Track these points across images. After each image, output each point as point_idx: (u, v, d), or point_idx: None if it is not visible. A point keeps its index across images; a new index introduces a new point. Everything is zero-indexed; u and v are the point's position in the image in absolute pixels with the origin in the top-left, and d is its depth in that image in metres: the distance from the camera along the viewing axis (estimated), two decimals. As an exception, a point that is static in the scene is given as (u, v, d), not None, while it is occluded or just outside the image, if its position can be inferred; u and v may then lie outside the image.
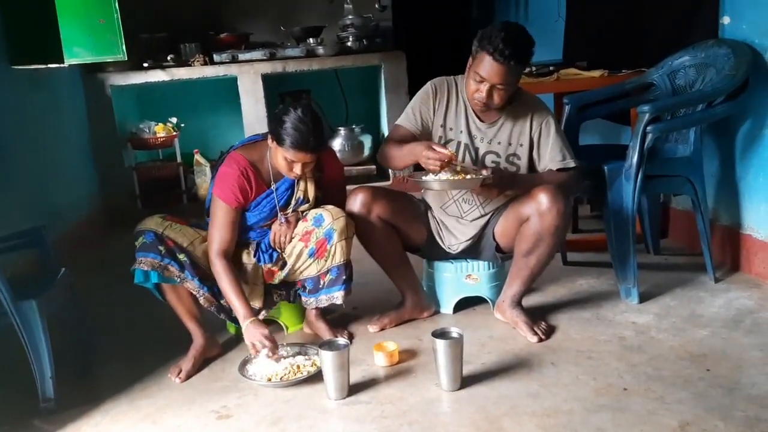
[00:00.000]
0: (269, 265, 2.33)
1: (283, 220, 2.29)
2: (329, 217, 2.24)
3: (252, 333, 2.11)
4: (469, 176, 2.19)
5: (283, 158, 2.15)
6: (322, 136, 2.14)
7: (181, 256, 2.20)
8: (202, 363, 2.28)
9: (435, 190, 2.37)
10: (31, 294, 2.01)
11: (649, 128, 2.44)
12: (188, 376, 2.21)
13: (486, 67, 2.18)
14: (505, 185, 2.26)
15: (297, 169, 2.16)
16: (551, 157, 2.33)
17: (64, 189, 3.65)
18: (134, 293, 3.05)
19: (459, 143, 2.38)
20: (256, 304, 2.32)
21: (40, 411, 2.01)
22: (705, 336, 2.25)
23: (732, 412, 1.80)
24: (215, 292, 2.25)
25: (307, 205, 2.32)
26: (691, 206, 2.71)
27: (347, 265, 2.29)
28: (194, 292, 2.22)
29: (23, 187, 3.10)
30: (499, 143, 2.36)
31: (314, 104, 4.74)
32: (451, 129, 2.39)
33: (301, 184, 2.30)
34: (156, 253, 2.16)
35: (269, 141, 2.19)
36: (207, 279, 2.23)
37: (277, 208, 2.28)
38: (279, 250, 2.32)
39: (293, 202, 2.31)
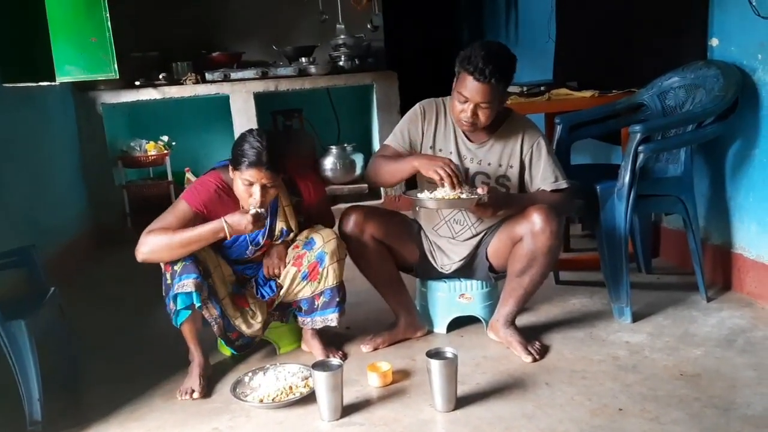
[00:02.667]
0: (272, 296, 2.33)
1: (250, 254, 2.27)
2: (320, 240, 2.23)
3: (239, 218, 2.06)
4: (464, 195, 2.19)
5: (241, 183, 2.10)
6: (277, 154, 2.09)
7: (210, 280, 2.18)
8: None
9: (430, 208, 2.36)
10: (20, 314, 1.98)
11: (640, 148, 2.46)
12: (205, 393, 2.18)
13: (468, 86, 2.20)
14: (500, 205, 2.26)
15: (256, 191, 2.08)
16: (543, 178, 2.34)
17: (54, 207, 3.61)
18: (123, 313, 3.03)
19: None
20: (256, 325, 2.29)
21: (28, 434, 1.98)
22: (699, 355, 2.25)
23: (728, 433, 1.80)
24: (227, 323, 2.23)
25: (292, 235, 2.31)
26: (683, 225, 2.72)
27: (340, 287, 2.29)
28: (211, 320, 2.18)
29: (12, 206, 3.07)
30: (489, 164, 2.37)
31: (306, 123, 4.75)
32: (440, 150, 2.39)
33: (280, 215, 2.28)
34: (197, 273, 2.12)
35: (231, 173, 2.15)
36: (222, 308, 2.22)
37: (248, 241, 2.26)
38: (275, 278, 2.30)
39: (277, 234, 2.30)
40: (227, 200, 2.20)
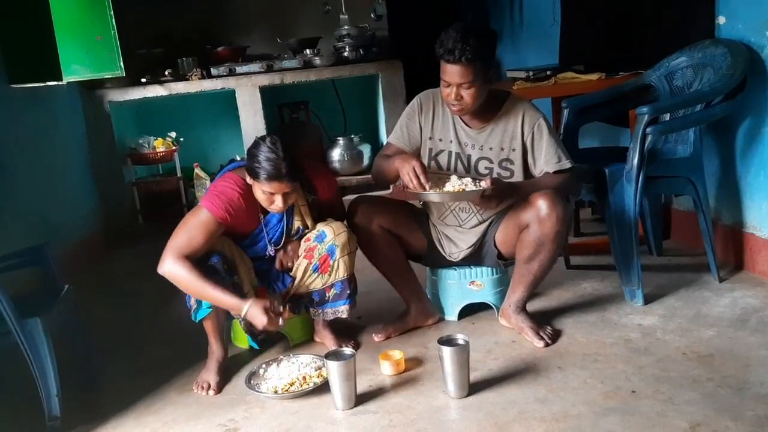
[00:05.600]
0: (283, 290, 2.34)
1: (272, 253, 2.28)
2: (331, 233, 2.24)
3: (259, 313, 2.01)
4: (469, 188, 2.19)
5: (261, 192, 2.10)
6: (294, 162, 2.07)
7: (235, 278, 2.19)
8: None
9: (434, 201, 2.36)
10: (35, 311, 2.00)
11: (648, 129, 2.44)
12: (220, 389, 2.20)
13: (445, 70, 2.21)
14: (505, 195, 2.25)
15: (278, 201, 2.09)
16: (546, 160, 2.33)
17: (65, 206, 3.64)
18: (137, 309, 3.06)
19: (450, 153, 2.38)
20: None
21: (47, 429, 2.00)
22: (711, 336, 2.24)
23: (742, 412, 1.79)
24: None
25: (307, 231, 2.32)
26: (693, 206, 2.71)
27: (351, 280, 2.30)
28: (237, 317, 2.16)
29: (23, 206, 3.10)
30: (490, 149, 2.35)
31: (313, 115, 4.76)
32: (440, 140, 2.39)
33: (296, 215, 2.29)
34: (224, 274, 2.13)
35: (248, 179, 2.13)
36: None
37: (266, 241, 2.26)
38: (288, 271, 2.32)
39: (294, 233, 2.31)
40: (251, 205, 2.18)
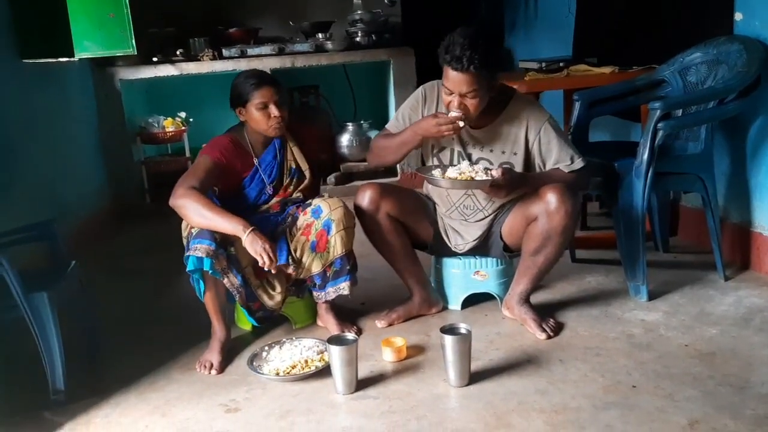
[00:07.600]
0: (282, 265, 2.34)
1: (271, 192, 2.36)
2: (327, 208, 2.26)
3: (255, 243, 2.07)
4: (479, 176, 2.18)
5: (256, 111, 2.26)
6: (269, 74, 2.37)
7: (231, 249, 2.20)
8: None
9: (443, 188, 2.36)
10: (42, 286, 2.02)
11: (660, 125, 2.42)
12: (222, 368, 2.21)
13: (449, 77, 2.14)
14: (515, 185, 2.24)
15: (273, 110, 2.25)
16: (557, 161, 2.30)
17: (73, 183, 3.65)
18: (142, 287, 3.08)
19: (452, 150, 2.37)
20: (278, 296, 2.33)
21: (51, 403, 2.03)
22: (714, 334, 2.24)
23: (742, 411, 1.80)
24: (249, 293, 2.26)
25: (306, 181, 2.39)
26: (702, 204, 2.69)
27: (349, 256, 2.31)
28: (232, 289, 2.20)
29: (32, 181, 3.11)
30: (491, 150, 2.33)
31: (323, 99, 4.74)
32: (443, 135, 2.37)
33: (288, 153, 2.38)
34: (211, 240, 2.12)
35: (241, 117, 2.34)
36: (245, 277, 2.25)
37: (264, 178, 2.35)
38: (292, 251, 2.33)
39: (287, 173, 2.35)
40: (241, 151, 2.36)
